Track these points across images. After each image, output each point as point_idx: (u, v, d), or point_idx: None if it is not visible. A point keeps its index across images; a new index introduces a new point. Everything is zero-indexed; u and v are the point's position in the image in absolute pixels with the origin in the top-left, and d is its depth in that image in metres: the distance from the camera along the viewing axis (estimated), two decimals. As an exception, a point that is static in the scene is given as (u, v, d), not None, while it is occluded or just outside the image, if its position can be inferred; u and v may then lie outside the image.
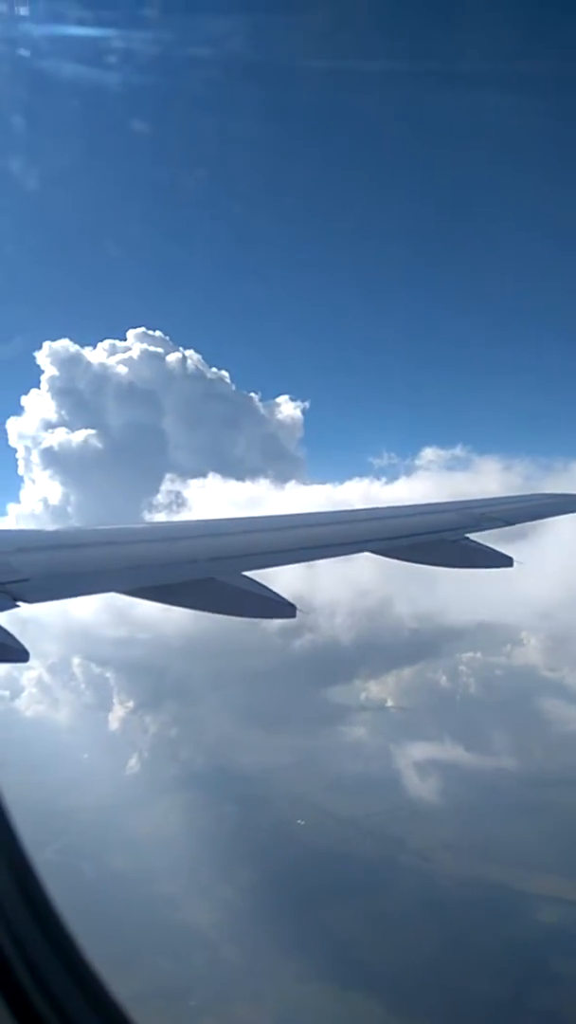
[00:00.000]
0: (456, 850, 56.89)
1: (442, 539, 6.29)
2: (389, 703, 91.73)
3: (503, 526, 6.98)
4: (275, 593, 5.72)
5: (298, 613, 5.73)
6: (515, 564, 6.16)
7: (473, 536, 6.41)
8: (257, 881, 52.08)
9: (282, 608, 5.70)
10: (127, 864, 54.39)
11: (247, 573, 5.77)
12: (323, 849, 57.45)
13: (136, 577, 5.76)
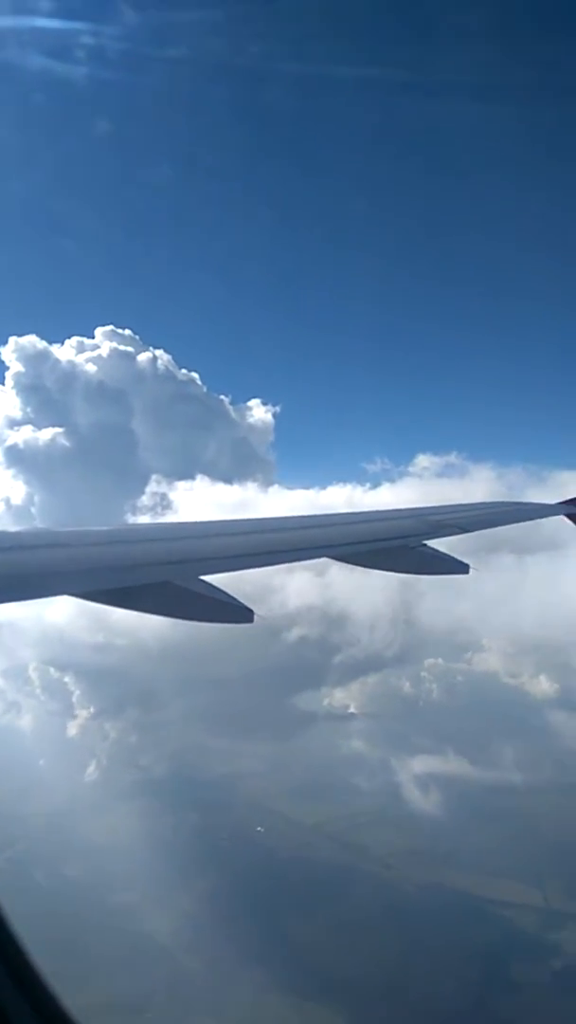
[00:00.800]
0: (418, 856, 57.12)
1: (400, 545, 6.26)
2: (353, 710, 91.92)
3: (459, 533, 6.98)
4: (232, 597, 5.62)
5: (255, 618, 5.66)
6: (471, 571, 6.16)
7: (431, 543, 6.40)
8: (216, 889, 51.67)
9: (239, 613, 5.61)
10: (82, 872, 53.60)
11: (204, 577, 5.68)
12: (284, 856, 57.25)
13: (90, 580, 5.61)
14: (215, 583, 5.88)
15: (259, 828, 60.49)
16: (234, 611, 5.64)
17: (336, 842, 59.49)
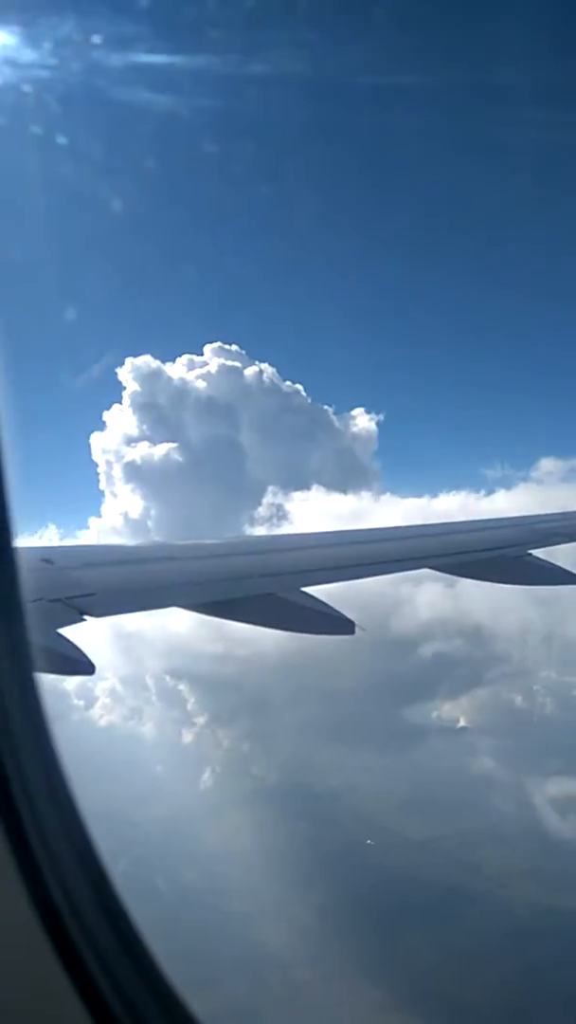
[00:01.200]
0: (534, 877, 55.03)
1: (503, 556, 6.19)
2: (463, 723, 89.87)
3: (568, 542, 6.81)
4: (334, 609, 5.74)
5: (357, 630, 5.74)
6: (579, 582, 6.01)
7: (537, 552, 6.29)
8: (329, 902, 51.46)
9: (341, 624, 5.73)
10: (199, 879, 54.48)
11: (306, 589, 5.81)
12: (394, 871, 56.49)
13: (197, 592, 5.87)
14: (319, 594, 6.03)
15: (369, 841, 59.97)
16: (335, 623, 5.76)
17: (447, 860, 58.21)
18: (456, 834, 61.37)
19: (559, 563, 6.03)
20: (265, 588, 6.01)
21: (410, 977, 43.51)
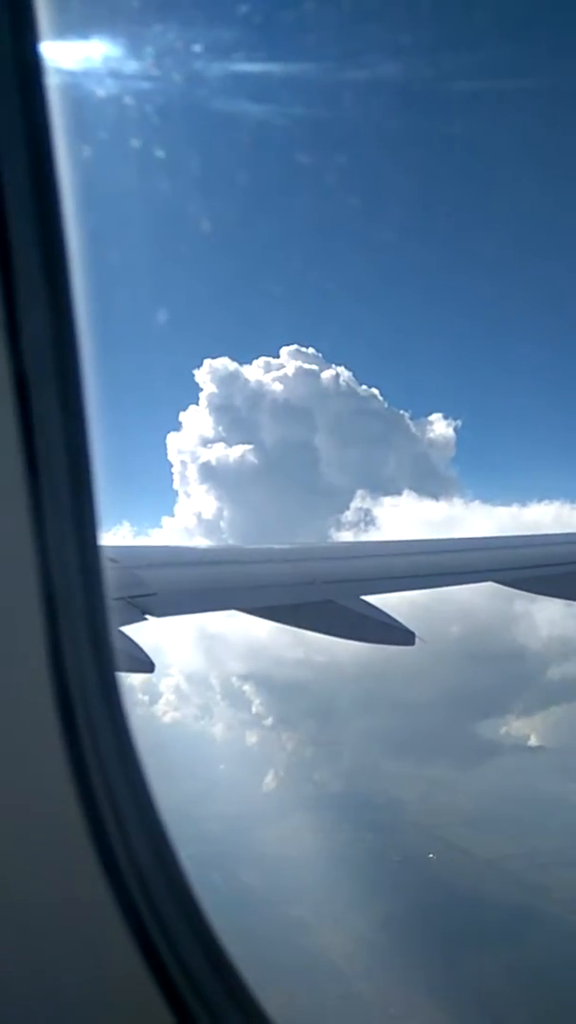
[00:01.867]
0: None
1: (570, 571, 6.01)
2: (534, 741, 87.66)
3: None
4: (393, 619, 5.69)
5: (417, 641, 5.67)
6: None
7: (605, 570, 6.09)
8: (390, 915, 50.80)
9: (400, 635, 5.67)
10: (257, 880, 54.60)
11: (366, 598, 5.77)
12: (459, 888, 55.37)
13: (257, 596, 5.91)
14: (381, 604, 5.98)
15: (431, 855, 59.00)
16: (395, 633, 5.70)
17: (515, 880, 56.71)
18: (525, 855, 59.76)
19: None
20: (325, 595, 5.99)
21: (471, 998, 42.53)
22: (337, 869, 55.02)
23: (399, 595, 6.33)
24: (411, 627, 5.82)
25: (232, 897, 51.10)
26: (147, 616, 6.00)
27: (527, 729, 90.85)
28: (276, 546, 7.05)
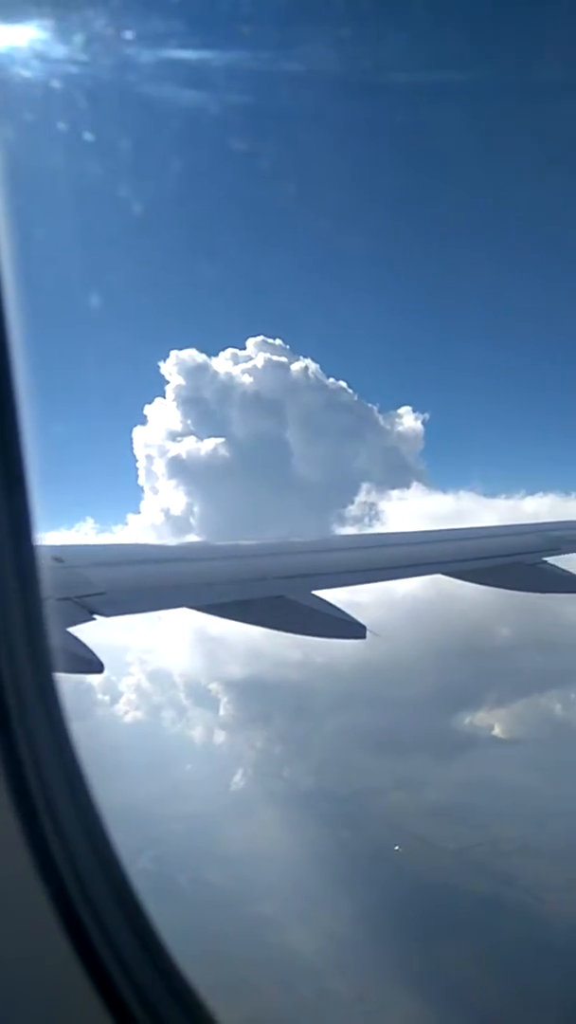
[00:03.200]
0: (570, 891, 53.88)
1: (517, 563, 6.06)
2: (498, 733, 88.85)
3: (584, 550, 6.67)
4: (344, 613, 5.68)
5: (368, 634, 5.67)
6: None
7: (552, 560, 6.16)
8: (358, 909, 51.04)
9: (351, 628, 5.66)
10: (224, 880, 54.46)
11: (317, 592, 5.76)
12: (426, 879, 55.86)
13: (208, 593, 5.86)
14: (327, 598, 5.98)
15: (396, 847, 59.45)
16: (347, 627, 5.70)
17: (479, 869, 57.42)
18: (489, 844, 60.56)
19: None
20: (276, 591, 5.95)
21: (443, 988, 42.85)
22: (304, 865, 55.16)
23: (352, 589, 6.34)
24: (364, 621, 5.81)
25: (197, 897, 50.98)
26: (95, 616, 5.91)
27: (491, 721, 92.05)
28: (223, 543, 7.02)
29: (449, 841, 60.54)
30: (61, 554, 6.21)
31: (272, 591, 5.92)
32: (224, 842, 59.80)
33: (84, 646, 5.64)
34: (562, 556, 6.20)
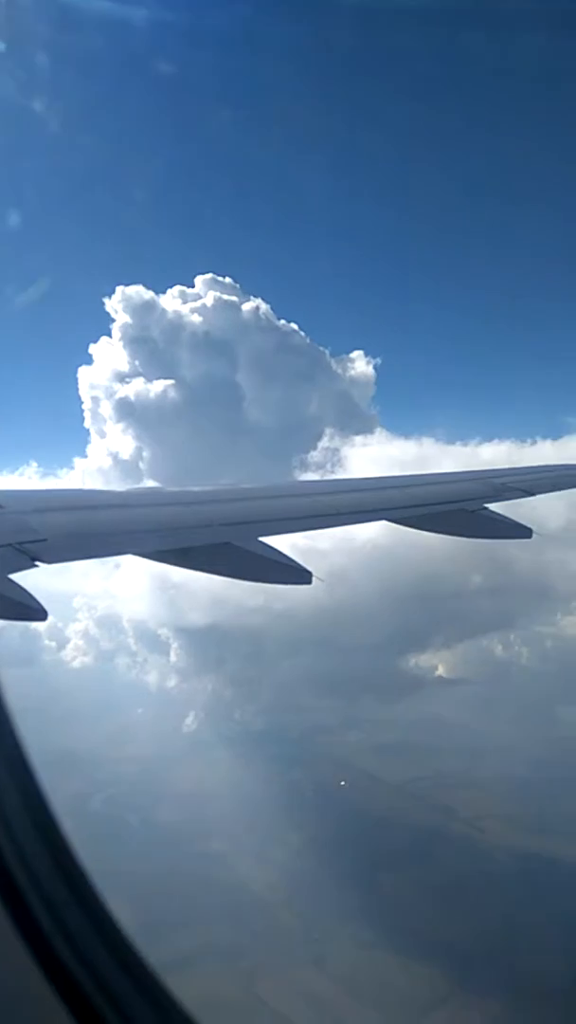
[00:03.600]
0: (508, 822, 56.24)
1: (461, 509, 6.12)
2: (441, 673, 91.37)
3: (523, 496, 6.76)
4: (290, 559, 5.67)
5: (314, 580, 5.69)
6: (534, 535, 5.97)
7: (492, 507, 6.24)
8: (306, 843, 52.53)
9: (297, 574, 5.66)
10: (175, 819, 55.37)
11: (263, 539, 5.73)
12: (370, 813, 57.67)
13: (153, 540, 5.77)
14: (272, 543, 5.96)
15: (342, 783, 61.13)
16: (293, 572, 5.70)
17: (423, 802, 59.46)
18: (432, 776, 62.56)
19: (517, 517, 6.00)
20: (222, 537, 5.90)
21: (389, 917, 44.58)
22: (255, 803, 56.42)
23: (311, 535, 6.33)
24: (313, 568, 5.82)
25: (150, 835, 51.85)
26: (37, 563, 5.78)
27: (436, 662, 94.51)
28: (170, 489, 6.91)
29: (392, 775, 62.48)
30: (1, 501, 6.04)
31: (218, 538, 5.86)
32: (175, 782, 60.72)
33: (26, 593, 5.52)
34: (503, 503, 6.30)
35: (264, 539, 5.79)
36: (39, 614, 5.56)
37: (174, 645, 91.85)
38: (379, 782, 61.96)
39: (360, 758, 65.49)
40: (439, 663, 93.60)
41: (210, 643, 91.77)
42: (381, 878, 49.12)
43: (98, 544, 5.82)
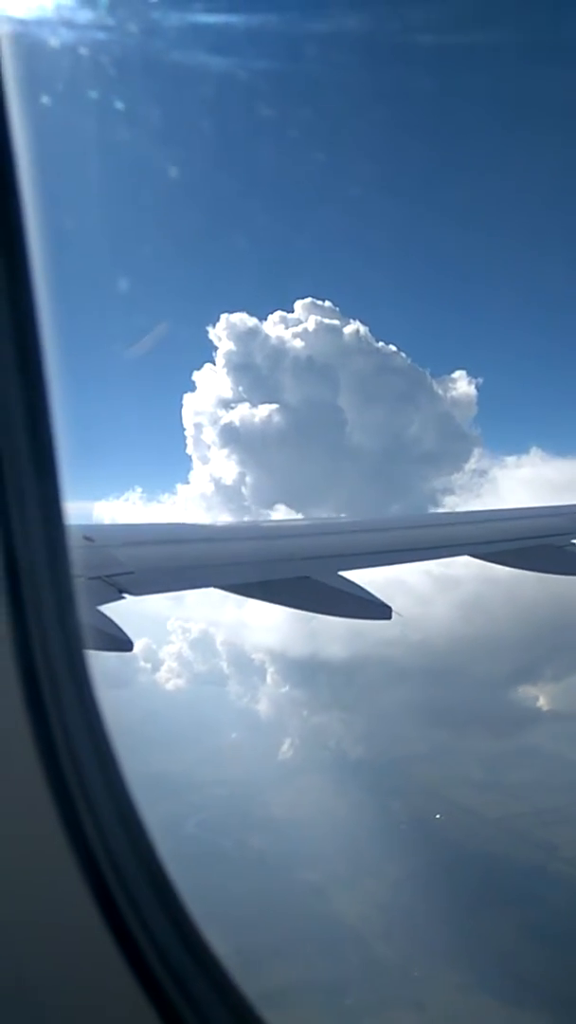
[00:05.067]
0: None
1: (546, 544, 5.96)
2: (542, 705, 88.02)
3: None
4: (370, 594, 5.67)
5: (394, 615, 5.65)
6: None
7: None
8: (402, 877, 51.34)
9: (377, 609, 5.65)
10: (269, 846, 55.08)
11: (343, 573, 5.75)
12: (469, 848, 55.92)
13: (235, 573, 5.89)
14: (356, 579, 5.95)
15: (437, 816, 59.60)
16: (372, 608, 5.68)
17: (522, 839, 57.27)
18: (531, 812, 60.24)
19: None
20: (303, 571, 5.95)
21: (489, 958, 42.81)
22: (350, 833, 55.63)
23: (395, 569, 6.31)
24: (391, 602, 5.79)
25: (244, 863, 51.78)
26: (125, 595, 5.99)
27: (540, 695, 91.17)
28: (250, 523, 7.02)
29: (490, 810, 60.46)
30: (91, 534, 6.30)
31: (298, 572, 5.92)
32: (268, 808, 60.60)
33: (114, 624, 5.72)
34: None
35: (344, 573, 5.80)
36: (126, 645, 5.73)
37: (270, 670, 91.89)
38: (476, 816, 60.05)
39: (455, 790, 63.73)
40: (541, 695, 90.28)
41: (305, 669, 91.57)
42: (480, 917, 47.29)
43: (182, 577, 5.97)
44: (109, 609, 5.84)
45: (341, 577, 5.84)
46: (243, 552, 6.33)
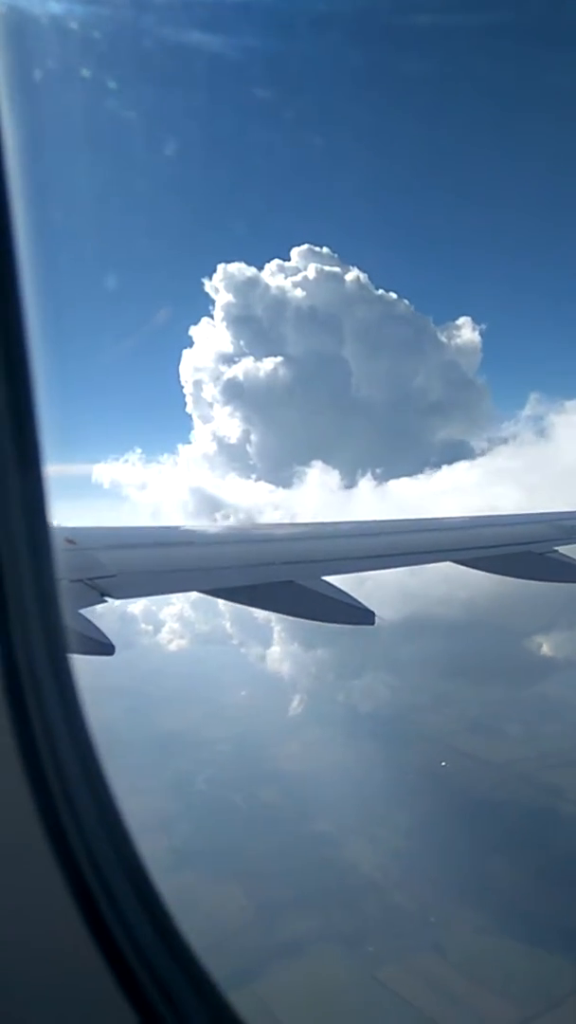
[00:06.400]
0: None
1: (528, 551, 5.91)
2: (546, 651, 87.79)
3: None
4: (353, 599, 5.65)
5: (377, 620, 5.64)
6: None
7: (563, 549, 6.00)
8: (413, 824, 51.92)
9: (360, 614, 5.63)
10: (279, 799, 55.79)
11: (326, 578, 5.72)
12: (476, 794, 56.45)
13: (217, 577, 5.87)
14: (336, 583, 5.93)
15: (443, 763, 60.23)
16: (355, 612, 5.66)
17: (528, 783, 57.71)
18: (535, 757, 60.65)
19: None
20: (285, 576, 5.92)
21: (505, 901, 43.33)
22: (357, 783, 56.35)
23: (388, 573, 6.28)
24: (373, 607, 5.77)
25: (255, 815, 52.64)
26: (107, 598, 5.98)
27: (545, 643, 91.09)
28: (232, 527, 6.99)
29: (495, 755, 60.91)
30: (73, 536, 6.27)
31: (282, 576, 5.89)
32: (278, 762, 61.35)
33: (96, 628, 5.72)
34: (574, 546, 6.05)
35: (327, 578, 5.77)
36: (108, 648, 5.73)
37: (277, 628, 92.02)
38: (481, 762, 60.66)
39: (458, 738, 64.29)
40: (544, 643, 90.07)
41: (311, 626, 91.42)
42: (492, 861, 47.96)
43: (165, 581, 5.96)
44: (91, 612, 5.84)
45: (325, 582, 5.81)
46: (227, 556, 6.31)
